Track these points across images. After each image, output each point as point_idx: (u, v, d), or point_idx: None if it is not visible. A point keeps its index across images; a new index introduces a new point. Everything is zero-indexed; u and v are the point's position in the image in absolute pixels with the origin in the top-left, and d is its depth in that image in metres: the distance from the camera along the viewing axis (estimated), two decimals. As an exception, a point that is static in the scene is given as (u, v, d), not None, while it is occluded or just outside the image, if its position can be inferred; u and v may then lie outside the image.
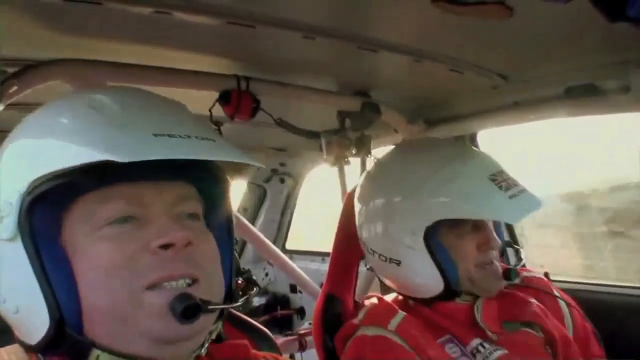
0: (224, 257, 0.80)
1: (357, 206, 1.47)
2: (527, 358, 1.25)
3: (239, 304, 0.80)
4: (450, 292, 1.28)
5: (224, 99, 1.48)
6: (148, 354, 0.69)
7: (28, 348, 0.72)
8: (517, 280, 1.38)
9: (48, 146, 0.67)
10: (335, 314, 1.54)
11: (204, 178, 0.80)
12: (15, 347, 0.75)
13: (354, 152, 2.04)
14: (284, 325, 3.06)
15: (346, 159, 2.10)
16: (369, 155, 2.02)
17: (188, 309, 0.67)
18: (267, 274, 3.34)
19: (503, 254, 1.35)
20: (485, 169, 1.25)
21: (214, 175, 0.82)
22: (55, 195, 0.66)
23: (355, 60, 1.43)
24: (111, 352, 0.68)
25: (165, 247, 0.69)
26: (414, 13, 1.10)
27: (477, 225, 1.26)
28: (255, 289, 0.93)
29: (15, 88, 1.19)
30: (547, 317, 1.34)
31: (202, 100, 1.46)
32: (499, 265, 1.29)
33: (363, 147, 2.00)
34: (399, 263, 1.30)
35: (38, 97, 1.59)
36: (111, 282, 0.67)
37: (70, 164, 0.63)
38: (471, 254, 1.26)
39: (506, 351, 1.23)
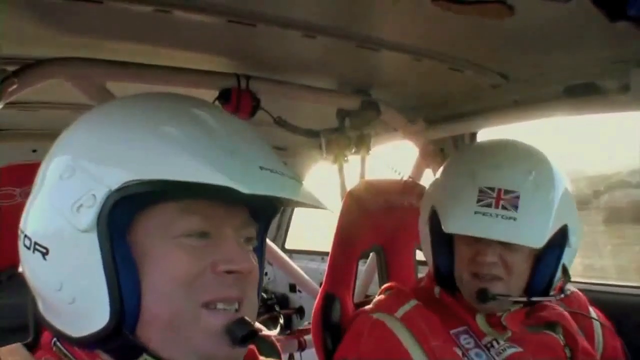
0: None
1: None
2: (542, 358, 1.25)
3: (276, 331, 0.85)
4: (443, 281, 1.34)
5: (224, 97, 1.48)
6: None
7: (65, 339, 0.72)
8: (553, 299, 1.33)
9: (156, 152, 0.68)
10: (334, 314, 1.54)
11: (262, 206, 0.82)
12: (16, 347, 0.75)
13: (353, 150, 2.04)
14: (283, 324, 3.06)
15: (346, 158, 2.10)
16: (369, 154, 2.02)
17: (247, 336, 0.71)
18: (266, 274, 3.35)
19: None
20: (484, 179, 1.23)
21: (269, 205, 0.85)
22: (139, 196, 0.68)
23: (355, 59, 1.43)
24: (159, 359, 0.70)
25: (230, 272, 0.72)
26: (414, 12, 1.10)
27: (477, 245, 1.24)
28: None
29: (15, 87, 1.19)
30: (573, 324, 1.34)
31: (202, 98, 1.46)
32: (500, 285, 1.22)
33: (363, 145, 2.00)
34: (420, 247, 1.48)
35: (38, 96, 1.60)
36: (177, 291, 0.69)
37: (185, 178, 0.65)
38: (464, 259, 1.27)
39: (520, 349, 1.23)
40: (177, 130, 0.71)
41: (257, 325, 0.76)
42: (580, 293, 1.46)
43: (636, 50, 1.23)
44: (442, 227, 1.25)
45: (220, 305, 0.71)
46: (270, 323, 2.94)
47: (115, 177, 0.67)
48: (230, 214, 0.75)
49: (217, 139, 0.71)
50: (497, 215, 1.18)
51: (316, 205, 0.74)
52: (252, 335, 0.71)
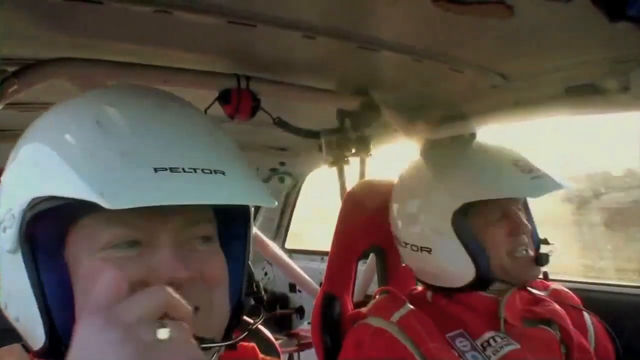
0: (233, 275, 0.76)
1: (393, 204, 1.50)
2: (539, 354, 1.26)
3: (232, 342, 0.74)
4: (482, 279, 1.28)
5: (224, 98, 1.48)
6: None
7: (32, 352, 0.71)
8: (545, 293, 1.42)
9: (50, 165, 0.63)
10: (334, 314, 1.54)
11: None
12: (15, 347, 0.75)
13: (353, 151, 2.04)
14: (283, 324, 3.06)
15: (346, 159, 2.11)
16: (369, 155, 2.03)
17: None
18: (266, 273, 3.35)
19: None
20: (508, 156, 1.32)
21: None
22: (60, 212, 0.63)
23: (355, 59, 1.43)
24: None
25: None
26: (414, 12, 1.10)
27: (507, 213, 1.29)
28: (261, 315, 0.86)
29: (15, 87, 1.19)
30: (568, 321, 1.36)
31: (201, 100, 1.46)
32: (531, 252, 1.29)
33: (363, 146, 2.00)
34: (430, 251, 1.32)
35: (38, 97, 1.60)
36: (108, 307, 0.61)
37: (66, 193, 0.60)
38: (502, 242, 1.27)
39: (518, 346, 1.24)
40: (74, 137, 0.65)
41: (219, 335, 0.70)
42: (574, 295, 1.47)
43: (636, 50, 1.23)
44: (496, 195, 1.26)
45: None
46: (272, 322, 2.95)
47: (24, 195, 0.63)
48: (166, 217, 0.67)
49: (113, 141, 0.64)
50: (541, 175, 1.29)
51: (241, 200, 0.67)
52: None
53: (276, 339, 1.36)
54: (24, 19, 1.06)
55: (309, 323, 2.35)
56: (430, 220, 1.32)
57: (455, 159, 1.38)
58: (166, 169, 0.60)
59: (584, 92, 1.43)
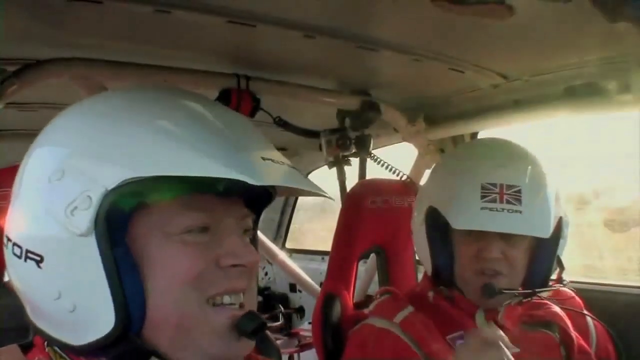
0: None
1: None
2: (538, 357, 1.26)
3: (279, 323, 0.84)
4: (442, 279, 1.33)
5: (224, 97, 1.48)
6: None
7: (67, 348, 0.70)
8: (558, 287, 1.39)
9: (154, 148, 0.65)
10: (334, 314, 1.54)
11: (259, 198, 0.81)
12: (11, 348, 0.74)
13: (353, 151, 2.04)
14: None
15: (346, 159, 2.10)
16: (370, 155, 2.02)
17: (258, 328, 0.70)
18: (266, 273, 3.35)
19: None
20: (485, 175, 1.25)
21: (266, 196, 0.83)
22: (133, 195, 0.65)
23: (355, 59, 1.43)
24: None
25: (235, 265, 0.71)
26: (414, 12, 1.10)
27: (480, 232, 1.25)
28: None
29: (15, 87, 1.19)
30: (568, 323, 1.36)
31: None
32: (503, 280, 1.25)
33: (363, 146, 2.00)
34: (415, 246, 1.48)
35: (38, 96, 1.60)
36: (183, 291, 0.67)
37: (194, 173, 0.63)
38: (466, 256, 1.28)
39: (517, 349, 1.24)
40: (173, 124, 0.68)
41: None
42: (576, 296, 1.47)
43: (636, 50, 1.23)
44: (451, 224, 1.26)
45: (226, 299, 0.70)
46: (271, 322, 2.95)
47: (111, 176, 0.63)
48: (228, 206, 0.74)
49: (216, 132, 0.69)
50: (502, 210, 1.21)
51: (318, 192, 0.73)
52: (262, 328, 0.71)
53: (276, 339, 1.37)
54: (24, 18, 1.06)
55: (309, 323, 2.35)
56: (415, 216, 1.43)
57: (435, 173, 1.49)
58: (268, 160, 0.68)
59: (584, 92, 1.43)
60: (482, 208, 1.21)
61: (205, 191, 0.70)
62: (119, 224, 0.66)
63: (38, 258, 0.66)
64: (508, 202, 1.21)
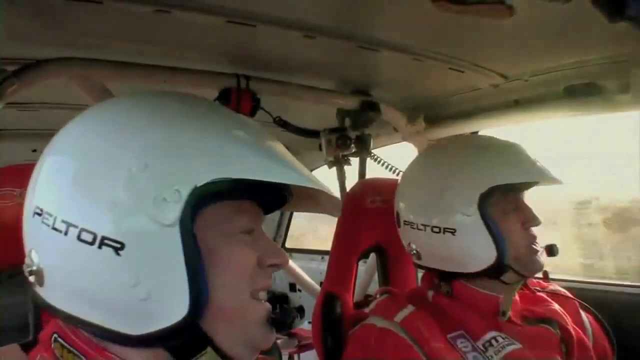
0: None
1: (404, 188, 1.50)
2: (540, 353, 1.27)
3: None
4: (499, 265, 1.29)
5: (224, 97, 1.48)
6: (241, 358, 0.77)
7: (122, 339, 0.69)
8: (543, 294, 1.45)
9: (232, 153, 0.71)
10: (335, 313, 1.54)
11: (269, 203, 0.86)
12: (12, 347, 0.74)
13: (353, 150, 2.04)
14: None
15: (346, 158, 2.11)
16: (370, 155, 2.02)
17: (291, 321, 0.80)
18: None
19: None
20: (522, 150, 1.37)
21: (277, 201, 0.88)
22: (209, 194, 0.71)
23: (355, 59, 1.43)
24: (217, 350, 0.74)
25: (273, 265, 0.79)
26: (414, 12, 1.10)
27: (519, 206, 1.32)
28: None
29: (15, 87, 1.19)
30: (567, 320, 1.37)
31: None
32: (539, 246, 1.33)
33: (363, 146, 2.01)
34: (453, 232, 1.33)
35: (38, 96, 1.60)
36: (241, 284, 0.75)
37: (271, 178, 0.71)
38: (518, 231, 1.30)
39: (520, 346, 1.24)
40: (242, 131, 0.75)
41: None
42: (571, 295, 1.47)
43: (636, 50, 1.24)
44: (525, 177, 1.32)
45: (262, 295, 0.78)
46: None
47: (202, 174, 0.68)
48: (260, 213, 0.83)
49: (263, 141, 0.76)
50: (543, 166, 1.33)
51: (332, 194, 0.80)
52: (293, 319, 0.79)
53: (276, 339, 1.37)
54: (24, 18, 1.07)
55: (309, 322, 2.36)
56: (456, 203, 1.32)
57: (476, 147, 1.42)
58: (292, 167, 0.75)
59: (584, 92, 1.43)
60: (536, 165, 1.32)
61: (251, 197, 0.79)
62: (190, 216, 0.70)
63: (118, 245, 0.66)
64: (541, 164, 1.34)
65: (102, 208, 0.67)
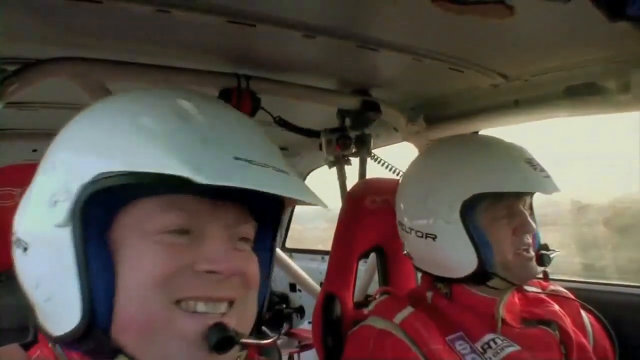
0: (261, 283, 0.78)
1: (400, 189, 1.49)
2: (539, 355, 1.26)
3: (270, 341, 0.77)
4: (483, 272, 1.27)
5: (224, 97, 1.48)
6: None
7: (50, 338, 0.70)
8: (544, 293, 1.44)
9: (126, 143, 0.64)
10: (335, 313, 1.54)
11: (261, 204, 0.77)
12: (13, 346, 0.75)
13: (354, 150, 2.04)
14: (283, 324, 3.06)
15: (346, 158, 2.11)
16: (371, 155, 2.03)
17: (222, 342, 0.66)
18: (267, 273, 3.35)
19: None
20: (522, 154, 1.32)
21: (271, 203, 0.80)
22: (116, 191, 0.64)
23: (356, 58, 1.43)
24: None
25: (211, 272, 0.68)
26: (414, 12, 1.10)
27: (513, 211, 1.28)
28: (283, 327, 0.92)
29: (15, 86, 1.20)
30: (567, 322, 1.37)
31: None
32: (532, 253, 1.30)
33: (363, 145, 2.01)
34: (434, 238, 1.32)
35: (38, 96, 1.60)
36: (151, 292, 0.65)
37: (148, 168, 0.61)
38: (507, 239, 1.27)
39: (519, 347, 1.24)
40: (152, 121, 0.66)
41: (245, 332, 0.72)
42: (572, 295, 1.47)
43: (636, 50, 1.23)
44: (506, 189, 1.26)
45: (200, 307, 0.67)
46: (270, 322, 2.95)
47: (89, 169, 0.63)
48: (218, 210, 0.71)
49: (193, 128, 0.66)
50: (548, 176, 1.28)
51: (311, 201, 0.69)
52: (229, 342, 0.66)
53: (276, 339, 1.36)
54: (24, 18, 1.07)
55: (309, 322, 2.36)
56: (437, 209, 1.30)
57: (467, 150, 1.37)
58: (245, 160, 0.64)
59: (584, 92, 1.43)
60: (544, 176, 1.27)
61: (194, 193, 0.68)
62: (100, 220, 0.66)
63: (25, 245, 0.68)
64: (541, 170, 1.29)
65: (21, 210, 0.71)
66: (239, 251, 0.73)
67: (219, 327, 0.66)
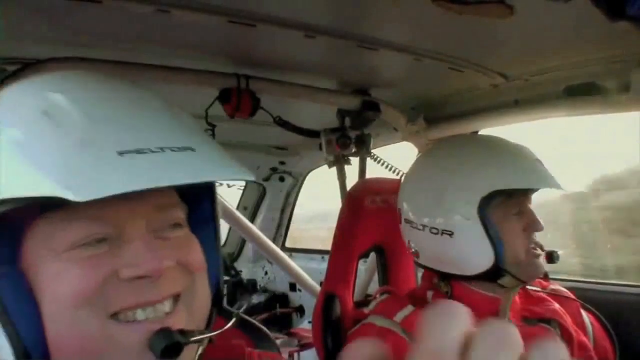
0: (210, 260, 0.72)
1: (406, 187, 1.48)
2: None
3: (222, 330, 0.71)
4: (496, 270, 1.28)
5: (224, 97, 1.48)
6: None
7: None
8: (544, 292, 1.44)
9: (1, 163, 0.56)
10: (335, 313, 1.54)
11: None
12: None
13: (353, 150, 2.04)
14: (283, 323, 3.07)
15: (346, 158, 2.11)
16: (370, 155, 2.03)
17: (169, 348, 0.60)
18: (266, 273, 3.36)
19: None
20: (531, 153, 1.34)
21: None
22: (12, 216, 0.56)
23: (355, 58, 1.43)
24: None
25: (138, 277, 0.61)
26: (415, 12, 1.10)
27: (522, 210, 1.30)
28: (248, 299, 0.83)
29: (15, 86, 1.19)
30: (567, 320, 1.37)
31: (201, 99, 1.46)
32: (540, 251, 1.31)
33: (363, 145, 2.01)
34: (451, 234, 1.31)
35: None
36: (78, 313, 0.58)
37: (17, 193, 0.54)
38: (519, 236, 1.28)
39: None
40: (19, 131, 0.58)
41: (196, 329, 0.66)
42: (571, 294, 1.48)
43: (636, 50, 1.24)
44: (524, 186, 1.28)
45: (139, 315, 0.61)
46: (270, 322, 2.95)
47: None
48: (134, 205, 0.62)
49: (67, 130, 0.57)
50: (547, 169, 1.30)
51: (215, 177, 0.64)
52: (176, 348, 0.60)
53: (276, 338, 1.36)
54: (24, 18, 1.07)
55: (309, 322, 2.36)
56: (455, 205, 1.30)
57: (482, 148, 1.38)
58: (131, 151, 0.55)
59: (584, 92, 1.43)
60: (543, 170, 1.29)
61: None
62: (6, 248, 0.60)
63: None
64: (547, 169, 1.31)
65: None
66: (169, 241, 0.66)
67: (163, 333, 0.60)
